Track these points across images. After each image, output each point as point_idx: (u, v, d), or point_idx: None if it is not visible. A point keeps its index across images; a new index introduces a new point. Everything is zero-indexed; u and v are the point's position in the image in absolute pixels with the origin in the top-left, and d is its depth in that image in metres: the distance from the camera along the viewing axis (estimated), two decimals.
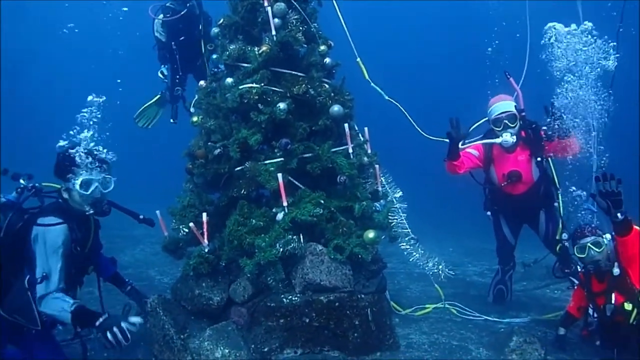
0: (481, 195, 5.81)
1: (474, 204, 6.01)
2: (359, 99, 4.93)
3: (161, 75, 6.44)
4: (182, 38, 6.20)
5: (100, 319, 3.30)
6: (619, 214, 3.54)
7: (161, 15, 6.24)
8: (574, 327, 4.50)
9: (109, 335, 3.19)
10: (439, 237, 10.24)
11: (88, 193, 3.45)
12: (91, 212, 3.53)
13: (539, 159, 5.09)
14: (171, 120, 6.49)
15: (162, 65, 6.43)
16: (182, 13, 6.05)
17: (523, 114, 5.13)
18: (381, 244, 4.63)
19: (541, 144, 5.06)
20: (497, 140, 5.07)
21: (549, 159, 5.21)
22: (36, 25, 23.25)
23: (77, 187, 3.43)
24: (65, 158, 3.49)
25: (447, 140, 5.11)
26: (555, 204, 5.26)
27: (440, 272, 4.32)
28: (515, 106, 5.14)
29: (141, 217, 3.98)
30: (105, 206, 3.60)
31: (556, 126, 4.76)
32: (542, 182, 5.27)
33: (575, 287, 4.44)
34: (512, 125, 5.05)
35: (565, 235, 4.79)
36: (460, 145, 5.17)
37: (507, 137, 5.01)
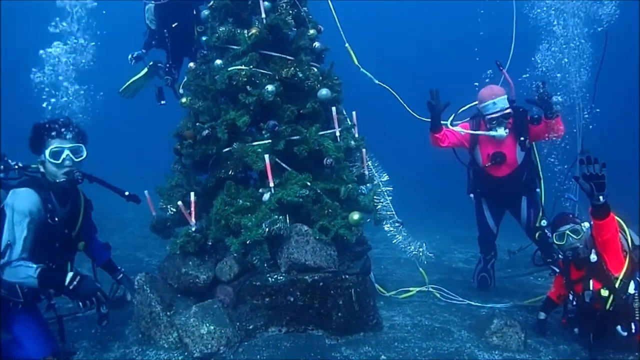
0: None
1: (461, 192, 6.09)
2: (349, 85, 4.97)
3: (130, 58, 6.33)
4: (175, 24, 6.13)
5: (68, 278, 3.30)
6: (601, 197, 3.60)
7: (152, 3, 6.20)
8: (555, 313, 4.60)
9: (87, 303, 3.35)
10: (427, 225, 10.39)
11: (59, 162, 3.44)
12: (62, 180, 3.49)
13: (522, 138, 5.17)
14: (160, 102, 6.46)
15: (142, 50, 6.33)
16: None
17: (514, 104, 5.23)
18: (370, 230, 4.67)
19: (526, 126, 5.17)
20: (491, 133, 5.16)
21: (533, 145, 5.31)
22: (36, 24, 22.75)
23: (48, 156, 3.43)
24: (37, 130, 3.51)
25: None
26: (537, 191, 5.36)
27: (421, 254, 4.40)
28: (508, 97, 5.20)
29: (127, 193, 3.93)
30: (77, 173, 3.53)
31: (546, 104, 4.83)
32: (525, 167, 5.36)
33: (556, 274, 4.53)
34: (506, 121, 5.15)
35: (544, 222, 4.88)
36: (451, 126, 5.29)
37: (502, 132, 5.13)
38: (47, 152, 3.43)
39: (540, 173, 5.35)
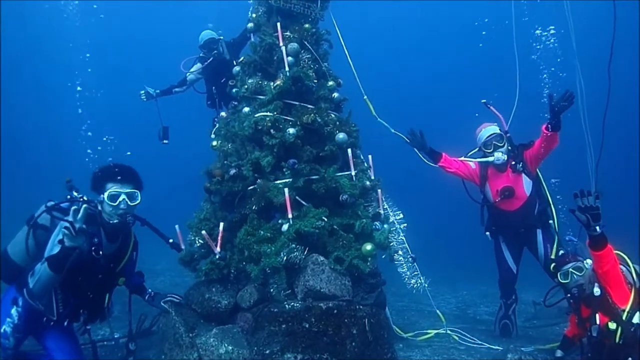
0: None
1: (489, 248, 6.18)
2: (376, 132, 5.35)
3: (142, 93, 7.08)
4: (223, 80, 6.75)
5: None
6: (597, 228, 3.73)
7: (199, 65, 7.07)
8: (577, 355, 4.56)
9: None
10: (455, 282, 10.37)
11: (115, 204, 3.73)
12: (115, 221, 3.75)
13: (513, 162, 5.47)
14: (163, 141, 7.11)
15: (156, 90, 7.05)
16: (209, 62, 6.86)
17: (508, 134, 5.59)
18: (395, 284, 4.78)
19: (521, 153, 5.52)
20: (490, 159, 5.51)
21: (540, 175, 5.56)
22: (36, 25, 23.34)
23: (106, 198, 3.73)
24: (98, 173, 3.86)
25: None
26: (551, 222, 5.47)
27: (420, 285, 4.57)
28: (499, 128, 5.62)
29: (170, 241, 4.27)
30: (129, 217, 3.81)
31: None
32: (536, 198, 5.56)
33: (571, 314, 4.54)
34: (501, 145, 5.52)
35: (562, 252, 4.90)
36: (464, 158, 5.81)
37: (499, 155, 5.48)
38: (105, 194, 3.73)
39: (551, 202, 5.54)
